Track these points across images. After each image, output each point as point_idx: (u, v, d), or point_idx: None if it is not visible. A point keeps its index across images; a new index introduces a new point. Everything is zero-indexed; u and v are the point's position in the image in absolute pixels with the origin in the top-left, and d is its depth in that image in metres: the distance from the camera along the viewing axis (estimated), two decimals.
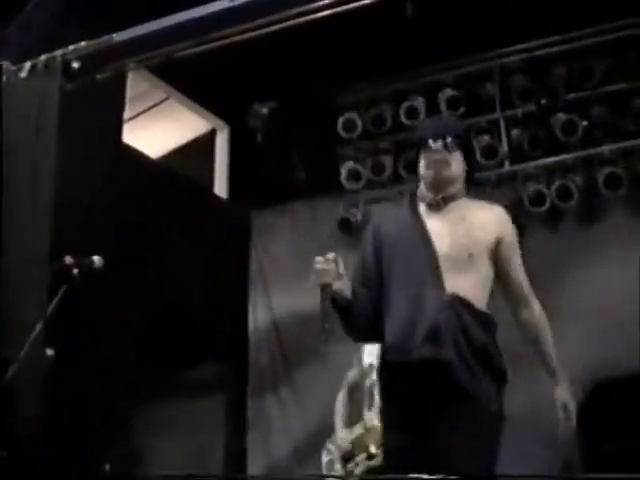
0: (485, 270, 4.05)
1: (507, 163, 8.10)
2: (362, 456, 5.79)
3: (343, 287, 4.05)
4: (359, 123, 8.44)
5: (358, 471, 5.79)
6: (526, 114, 8.03)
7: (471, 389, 3.89)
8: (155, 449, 7.80)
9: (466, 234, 4.04)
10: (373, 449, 5.76)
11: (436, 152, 4.12)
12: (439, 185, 4.16)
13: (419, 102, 8.29)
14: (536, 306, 4.11)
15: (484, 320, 4.01)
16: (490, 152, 8.06)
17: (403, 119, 8.30)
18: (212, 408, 8.34)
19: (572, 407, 4.12)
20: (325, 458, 6.08)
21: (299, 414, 8.44)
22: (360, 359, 6.14)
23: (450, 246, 4.01)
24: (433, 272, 3.98)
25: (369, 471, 5.74)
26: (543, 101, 7.90)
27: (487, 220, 4.11)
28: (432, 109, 8.23)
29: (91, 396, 5.83)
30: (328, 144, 8.59)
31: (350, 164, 8.55)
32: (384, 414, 4.24)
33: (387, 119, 8.39)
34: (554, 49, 7.94)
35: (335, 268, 4.00)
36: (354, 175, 8.51)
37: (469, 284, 3.97)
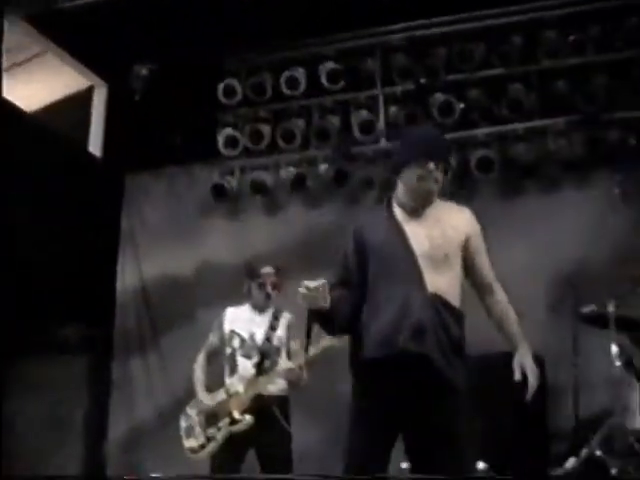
0: (458, 268, 4.35)
1: (383, 139, 8.19)
2: (225, 421, 5.81)
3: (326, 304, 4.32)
4: (239, 90, 8.41)
5: (220, 436, 5.79)
6: (405, 92, 8.14)
7: (453, 381, 4.22)
8: (17, 410, 7.69)
9: (442, 235, 4.31)
10: (237, 414, 5.78)
11: (431, 171, 4.31)
12: (425, 197, 4.39)
13: (300, 73, 8.31)
14: (500, 293, 4.42)
15: (458, 316, 4.32)
16: (367, 127, 8.15)
17: (283, 89, 8.31)
18: (76, 369, 8.23)
19: (534, 372, 4.36)
20: (184, 424, 6.05)
21: (164, 378, 8.41)
22: (221, 324, 6.13)
23: (429, 247, 4.27)
24: (415, 273, 4.23)
25: (231, 436, 5.76)
26: (422, 80, 8.01)
27: (458, 221, 4.39)
28: (312, 81, 8.26)
29: None
30: (207, 110, 8.53)
31: (228, 131, 8.51)
32: (364, 408, 4.38)
33: (267, 88, 8.38)
34: (436, 30, 8.06)
35: (323, 294, 4.29)
36: (231, 142, 8.47)
37: (446, 282, 4.27)
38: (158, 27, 7.49)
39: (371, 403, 4.33)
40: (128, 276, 8.82)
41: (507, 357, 6.93)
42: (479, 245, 4.42)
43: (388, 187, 7.98)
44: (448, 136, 7.92)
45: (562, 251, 7.14)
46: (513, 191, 7.95)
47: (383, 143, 8.18)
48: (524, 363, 4.33)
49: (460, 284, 4.37)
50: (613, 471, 6.20)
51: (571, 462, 6.27)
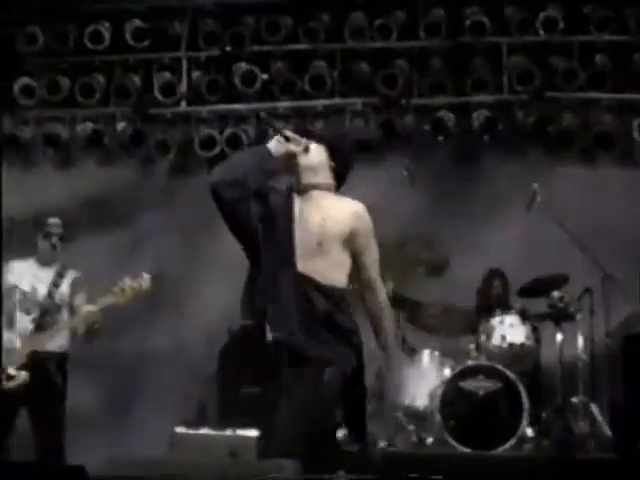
0: (338, 256, 4.39)
1: (184, 103, 8.15)
2: None
3: None
4: (41, 39, 8.15)
5: None
6: (209, 58, 8.11)
7: (315, 354, 4.27)
8: None
9: (318, 224, 4.35)
10: (12, 370, 5.66)
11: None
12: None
13: (105, 27, 8.13)
14: (381, 292, 4.53)
15: (331, 293, 4.36)
16: (168, 89, 8.09)
17: (87, 42, 8.11)
18: None
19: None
20: None
21: None
22: (2, 277, 5.98)
23: (303, 232, 4.33)
24: (287, 252, 4.32)
25: (4, 392, 5.63)
26: (228, 48, 8.00)
27: (342, 214, 4.42)
28: (117, 37, 8.12)
29: None
30: (5, 56, 8.23)
31: (25, 79, 8.24)
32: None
33: (70, 39, 8.15)
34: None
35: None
36: (28, 91, 8.21)
37: (319, 267, 4.33)
38: None
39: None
40: None
41: None
42: (367, 242, 4.48)
43: (184, 150, 8.13)
44: (248, 107, 8.07)
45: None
46: None
47: (183, 106, 8.15)
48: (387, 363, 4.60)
49: (346, 269, 4.43)
50: (381, 443, 6.48)
51: (339, 434, 6.46)
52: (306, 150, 4.43)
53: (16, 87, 8.22)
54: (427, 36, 7.90)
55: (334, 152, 4.54)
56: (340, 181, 4.57)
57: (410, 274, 6.73)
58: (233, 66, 8.02)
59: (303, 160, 4.44)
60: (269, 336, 4.32)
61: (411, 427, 6.70)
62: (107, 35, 8.12)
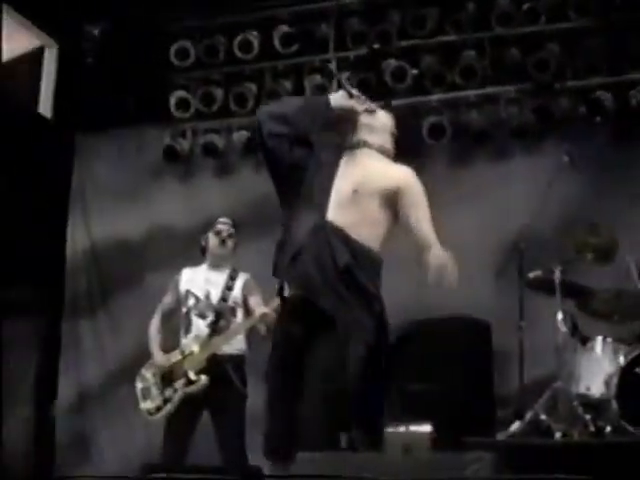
0: (374, 212, 4.28)
1: None
2: (181, 382, 5.83)
3: None
4: (192, 52, 8.36)
5: (177, 397, 5.82)
6: (358, 57, 8.13)
7: (329, 311, 4.12)
8: None
9: (361, 174, 4.28)
10: (192, 375, 5.80)
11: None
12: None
13: (253, 36, 8.28)
14: (436, 248, 4.30)
15: (358, 249, 4.21)
16: (320, 92, 8.12)
17: (236, 52, 8.27)
18: (25, 331, 8.18)
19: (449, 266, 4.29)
20: (139, 385, 6.07)
21: (113, 340, 8.40)
22: (176, 285, 6.14)
23: (341, 180, 4.27)
24: (322, 203, 4.22)
25: (186, 397, 5.78)
26: (375, 46, 8.02)
27: (389, 172, 4.35)
28: (266, 44, 8.24)
29: None
30: (159, 71, 8.47)
31: (180, 93, 8.46)
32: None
33: (220, 51, 8.33)
34: None
35: None
36: (183, 104, 8.43)
37: (351, 219, 4.22)
38: None
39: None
40: (78, 237, 8.76)
41: (455, 322, 7.14)
42: (414, 201, 4.33)
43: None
44: (400, 102, 8.06)
45: (510, 218, 7.20)
46: (464, 158, 8.02)
47: None
48: (435, 256, 4.29)
49: (380, 229, 4.32)
50: (557, 435, 6.34)
51: (516, 426, 6.39)
52: (371, 112, 4.33)
53: (172, 101, 8.44)
54: (577, 16, 7.72)
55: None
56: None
57: (578, 260, 6.58)
58: (382, 63, 8.03)
59: (365, 119, 4.36)
60: (286, 292, 4.19)
61: (587, 416, 6.56)
62: (256, 43, 8.25)
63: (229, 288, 6.03)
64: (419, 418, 6.88)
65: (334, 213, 4.20)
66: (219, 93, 8.39)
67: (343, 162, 4.35)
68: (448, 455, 4.04)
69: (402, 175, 4.36)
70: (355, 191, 4.23)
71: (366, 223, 4.25)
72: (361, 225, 4.23)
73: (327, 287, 4.13)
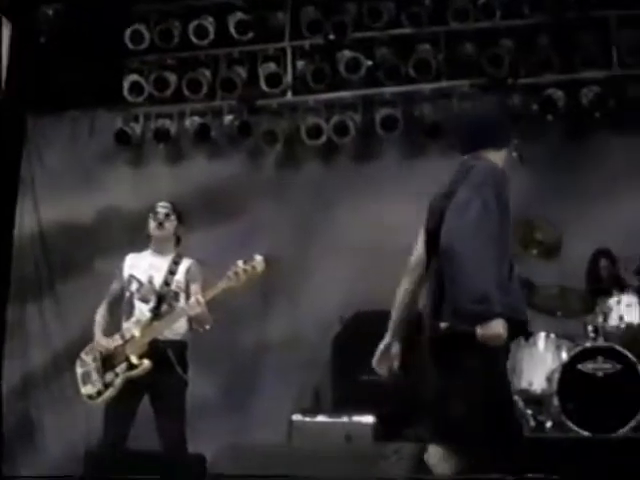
0: None
1: (290, 93, 8.19)
2: (122, 366, 5.77)
3: None
4: (147, 36, 8.29)
5: (118, 382, 5.76)
6: (313, 47, 8.13)
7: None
8: None
9: None
10: (134, 359, 5.75)
11: None
12: None
13: (209, 22, 8.22)
14: None
15: None
16: (274, 80, 8.13)
17: (192, 37, 8.22)
18: None
19: None
20: (80, 370, 5.99)
21: (60, 325, 8.34)
22: (121, 271, 6.09)
23: None
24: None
25: (127, 381, 5.72)
26: (331, 36, 8.01)
27: None
28: (221, 31, 8.20)
29: None
30: (113, 54, 8.40)
31: (134, 77, 8.39)
32: None
33: (175, 35, 8.27)
34: None
35: None
36: (136, 88, 8.36)
37: None
38: None
39: None
40: (27, 221, 8.66)
41: None
42: None
43: (291, 140, 8.18)
44: (354, 94, 8.07)
45: None
46: (417, 151, 8.05)
47: (289, 96, 8.19)
48: None
49: None
50: None
51: None
52: None
53: (125, 84, 8.38)
54: (531, 13, 7.76)
55: None
56: None
57: (524, 256, 6.62)
58: (337, 54, 8.02)
59: None
60: None
61: (529, 411, 6.61)
62: (211, 29, 8.20)
63: (172, 273, 5.97)
64: (366, 409, 6.98)
65: None
66: (173, 78, 8.33)
67: None
68: (369, 446, 4.06)
69: None
70: None
71: None
72: None
73: None
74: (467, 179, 4.17)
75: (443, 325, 4.00)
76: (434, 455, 4.01)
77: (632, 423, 6.20)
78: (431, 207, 4.37)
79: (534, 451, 5.55)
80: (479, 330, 3.88)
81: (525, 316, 4.26)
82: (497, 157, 4.46)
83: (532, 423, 6.55)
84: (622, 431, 6.19)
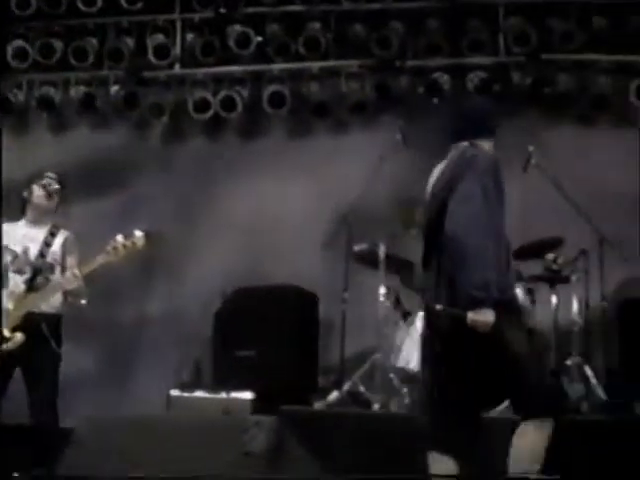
0: None
1: (177, 65, 8.11)
2: None
3: None
4: (33, 2, 8.08)
5: None
6: (203, 20, 8.06)
7: None
8: None
9: None
10: (7, 332, 5.63)
11: None
12: None
13: None
14: None
15: None
16: (162, 52, 8.04)
17: (79, 5, 8.05)
18: None
19: None
20: None
21: None
22: None
23: None
24: None
25: (1, 354, 5.60)
26: (221, 10, 7.95)
27: None
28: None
29: None
30: None
31: (18, 42, 8.20)
32: None
33: (63, 2, 8.08)
34: None
35: None
36: (21, 54, 8.18)
37: None
38: None
39: None
40: None
41: (285, 291, 7.20)
42: None
43: (178, 113, 8.11)
44: (243, 69, 8.03)
45: (344, 191, 7.26)
46: (303, 129, 8.08)
47: (177, 69, 8.13)
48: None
49: None
50: (375, 406, 6.47)
51: (334, 395, 6.49)
52: None
53: (9, 50, 8.18)
54: None
55: None
56: None
57: (404, 236, 6.70)
58: (227, 28, 7.98)
59: None
60: None
61: (404, 389, 6.70)
62: None
63: (48, 244, 5.85)
64: (244, 384, 6.99)
65: None
66: (59, 45, 8.18)
67: None
68: (232, 418, 4.07)
69: None
70: None
71: None
72: None
73: None
74: (471, 169, 4.31)
75: (439, 307, 4.26)
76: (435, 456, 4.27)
77: None
78: (432, 195, 4.54)
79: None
80: (470, 314, 4.13)
81: (514, 296, 4.55)
82: (488, 146, 4.60)
83: (407, 401, 6.63)
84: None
